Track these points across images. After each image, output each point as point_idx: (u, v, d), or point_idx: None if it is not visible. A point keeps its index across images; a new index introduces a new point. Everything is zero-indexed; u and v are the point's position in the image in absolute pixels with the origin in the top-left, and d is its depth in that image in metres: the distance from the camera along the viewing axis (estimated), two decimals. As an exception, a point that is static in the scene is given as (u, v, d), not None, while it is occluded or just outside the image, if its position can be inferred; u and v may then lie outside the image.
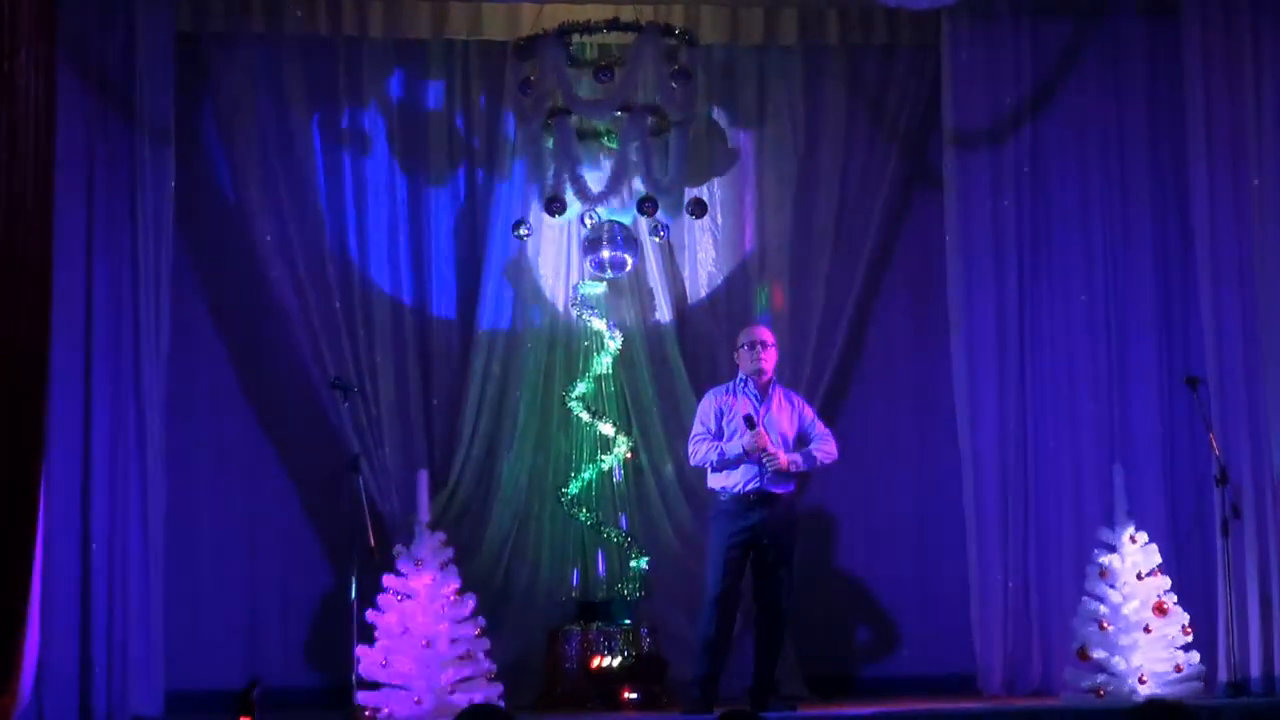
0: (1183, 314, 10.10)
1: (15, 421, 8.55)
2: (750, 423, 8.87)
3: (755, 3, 10.14)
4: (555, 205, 9.73)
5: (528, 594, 9.93)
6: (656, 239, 9.95)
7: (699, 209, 9.86)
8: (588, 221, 9.83)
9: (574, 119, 9.80)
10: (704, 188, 10.27)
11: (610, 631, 9.53)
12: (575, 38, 9.71)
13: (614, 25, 9.69)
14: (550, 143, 9.86)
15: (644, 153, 9.65)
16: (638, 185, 9.84)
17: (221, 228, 10.07)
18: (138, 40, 9.46)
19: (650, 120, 9.71)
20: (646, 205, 9.65)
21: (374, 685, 8.83)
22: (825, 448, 9.05)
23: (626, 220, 9.84)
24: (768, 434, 8.86)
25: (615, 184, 9.64)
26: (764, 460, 8.81)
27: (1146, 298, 10.10)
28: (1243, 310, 9.73)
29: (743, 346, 9.12)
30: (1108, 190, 10.16)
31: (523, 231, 9.86)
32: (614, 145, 9.87)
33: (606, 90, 9.71)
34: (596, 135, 9.96)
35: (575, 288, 9.98)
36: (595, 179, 9.76)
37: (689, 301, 10.34)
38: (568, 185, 9.73)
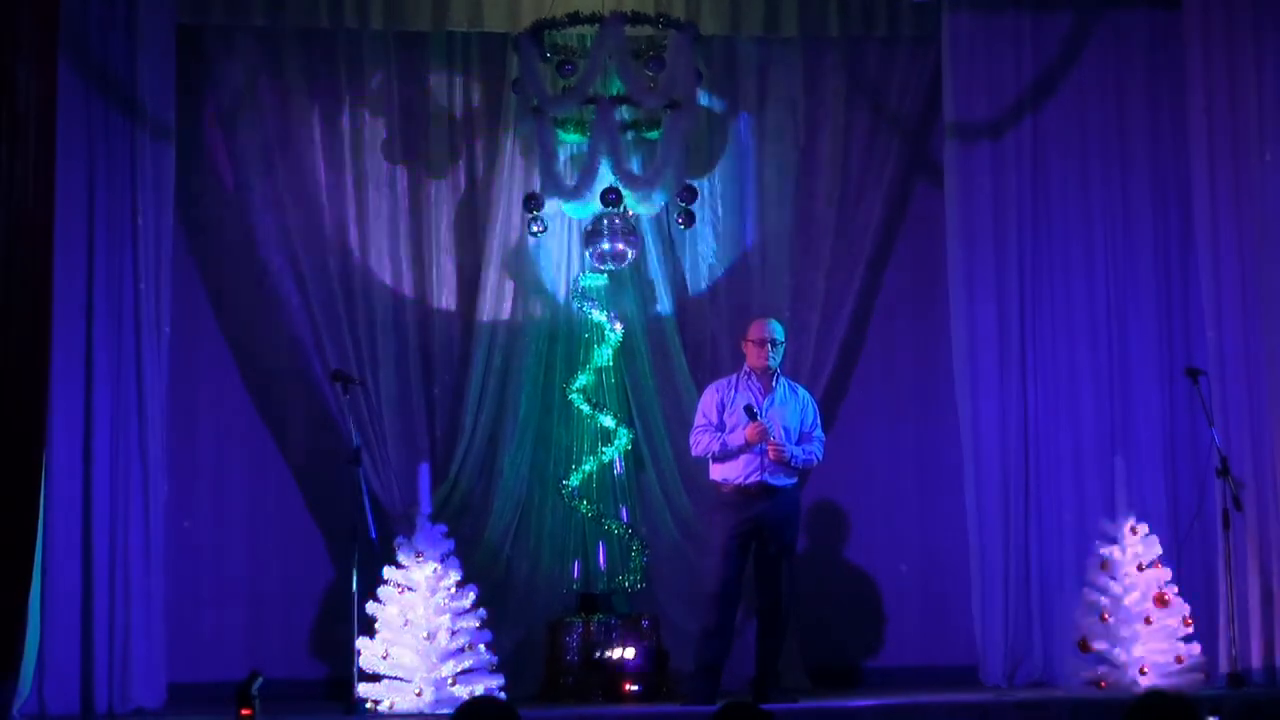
0: (1184, 305, 10.10)
1: (16, 413, 8.55)
2: (751, 413, 8.88)
3: (756, -7, 10.16)
4: (531, 203, 9.75)
5: (529, 586, 9.93)
6: (681, 225, 9.95)
7: (689, 195, 9.81)
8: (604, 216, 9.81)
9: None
10: (704, 179, 10.27)
11: (611, 623, 9.54)
12: (548, 34, 9.71)
13: (575, 19, 9.66)
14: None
15: (611, 144, 9.63)
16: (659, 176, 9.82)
17: (222, 220, 10.08)
18: (138, 33, 9.44)
19: (619, 111, 9.68)
20: (610, 196, 9.63)
21: (375, 677, 8.83)
22: (810, 449, 9.05)
23: (650, 212, 9.85)
24: (769, 425, 8.87)
25: (587, 178, 9.63)
26: (764, 448, 8.82)
27: (1148, 289, 10.10)
28: (1244, 302, 9.73)
29: (752, 340, 9.10)
30: (1108, 182, 10.15)
31: (536, 229, 9.85)
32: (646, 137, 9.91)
33: (568, 84, 9.68)
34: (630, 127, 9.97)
35: (576, 279, 9.98)
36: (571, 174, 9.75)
37: (689, 293, 10.34)
38: (545, 182, 9.74)
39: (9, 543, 8.48)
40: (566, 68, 9.67)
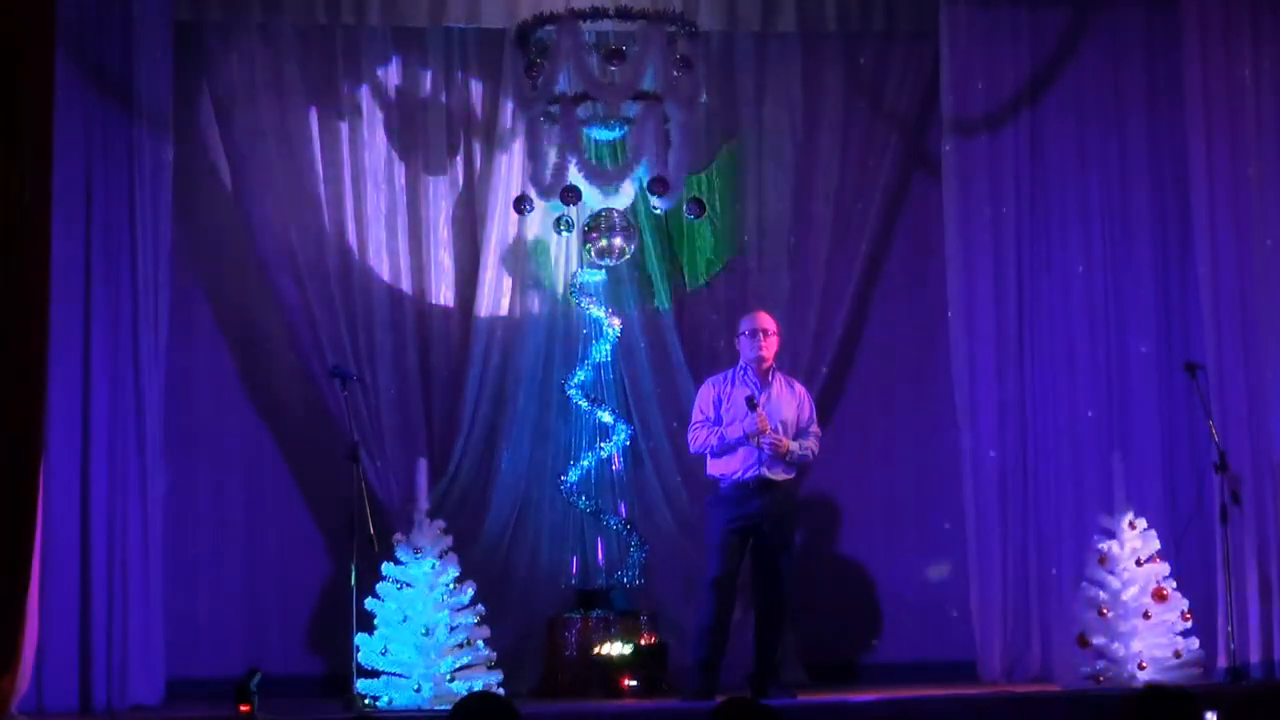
0: (1181, 299, 10.09)
1: (14, 410, 8.54)
2: (751, 404, 8.88)
3: (753, -11, 10.15)
4: (521, 204, 9.78)
5: (527, 582, 9.94)
6: (693, 217, 9.94)
7: (659, 186, 9.78)
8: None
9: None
10: (702, 175, 10.28)
11: (609, 619, 9.54)
12: (533, 35, 9.74)
13: (541, 20, 9.65)
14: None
15: (572, 141, 9.65)
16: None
17: (220, 216, 10.07)
18: (136, 29, 9.43)
19: (582, 110, 9.69)
20: (569, 194, 9.63)
21: (373, 673, 8.83)
22: (807, 444, 9.05)
23: (668, 206, 9.88)
24: (768, 418, 8.88)
25: (558, 175, 9.65)
26: (762, 444, 8.82)
27: (1146, 283, 10.09)
28: (1241, 295, 9.74)
29: (744, 334, 9.11)
30: (1106, 176, 10.15)
31: (562, 226, 9.85)
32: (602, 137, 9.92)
33: (534, 87, 9.73)
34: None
35: (574, 275, 9.98)
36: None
37: (687, 289, 10.34)
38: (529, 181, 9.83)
39: (8, 539, 8.48)
40: (531, 72, 9.69)
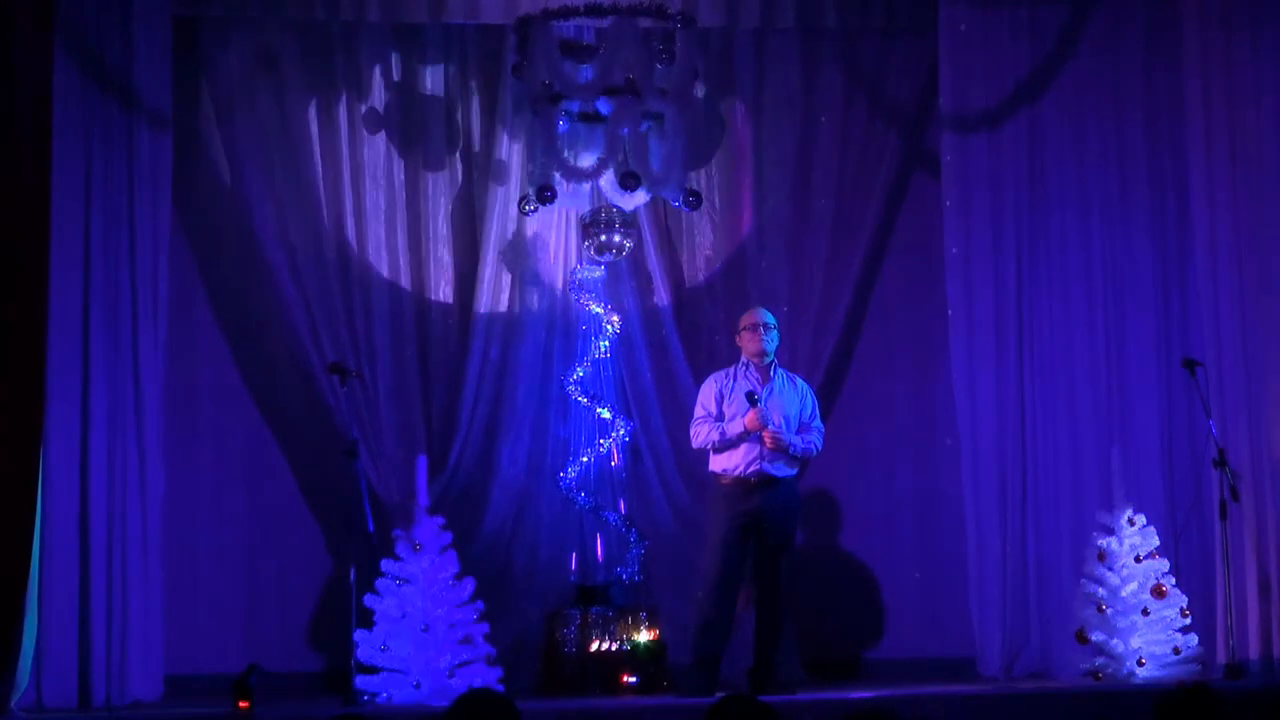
0: (1181, 296, 10.08)
1: (13, 407, 8.55)
2: (752, 399, 8.89)
3: (753, -15, 10.15)
4: (523, 203, 9.82)
5: (526, 578, 9.93)
6: (689, 207, 9.95)
7: (631, 181, 9.78)
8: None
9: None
10: (701, 171, 10.28)
11: (609, 615, 9.54)
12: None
13: (526, 21, 9.71)
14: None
15: (547, 139, 9.70)
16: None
17: (219, 213, 10.06)
18: (135, 25, 9.41)
19: (549, 108, 9.72)
20: (546, 194, 9.65)
21: (373, 669, 8.84)
22: (809, 438, 9.06)
23: (676, 199, 9.90)
24: (770, 413, 8.89)
25: (543, 175, 9.70)
26: (764, 436, 8.83)
27: (1145, 280, 10.08)
28: (1241, 292, 9.73)
29: (744, 329, 9.14)
30: (1105, 172, 10.13)
31: (585, 221, 9.90)
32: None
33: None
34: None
35: (573, 271, 9.99)
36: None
37: (687, 285, 10.34)
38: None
39: (7, 536, 8.49)
40: (517, 71, 9.73)
